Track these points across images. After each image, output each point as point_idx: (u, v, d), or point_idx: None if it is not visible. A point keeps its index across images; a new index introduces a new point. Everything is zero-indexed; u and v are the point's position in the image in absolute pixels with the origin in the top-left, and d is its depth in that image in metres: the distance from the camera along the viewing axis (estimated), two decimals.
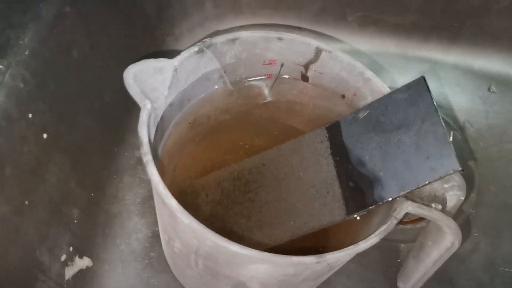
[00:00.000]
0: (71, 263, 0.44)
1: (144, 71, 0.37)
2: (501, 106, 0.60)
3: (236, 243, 0.31)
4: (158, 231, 0.50)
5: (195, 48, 0.40)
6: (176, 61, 0.39)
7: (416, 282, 0.44)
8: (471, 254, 0.52)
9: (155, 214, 0.50)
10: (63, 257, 0.43)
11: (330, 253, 0.32)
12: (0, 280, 0.36)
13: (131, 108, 0.35)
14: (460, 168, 0.34)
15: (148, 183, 0.54)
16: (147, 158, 0.33)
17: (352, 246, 0.32)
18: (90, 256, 0.47)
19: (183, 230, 0.34)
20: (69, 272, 0.44)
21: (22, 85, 0.38)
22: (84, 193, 0.47)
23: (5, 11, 0.39)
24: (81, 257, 0.46)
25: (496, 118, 0.60)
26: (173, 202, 0.32)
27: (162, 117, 0.40)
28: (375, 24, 0.62)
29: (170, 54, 0.40)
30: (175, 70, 0.39)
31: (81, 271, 0.46)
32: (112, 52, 0.49)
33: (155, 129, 0.38)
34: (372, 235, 0.33)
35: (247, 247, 0.31)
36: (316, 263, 0.31)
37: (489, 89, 0.61)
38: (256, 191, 0.44)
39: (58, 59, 0.41)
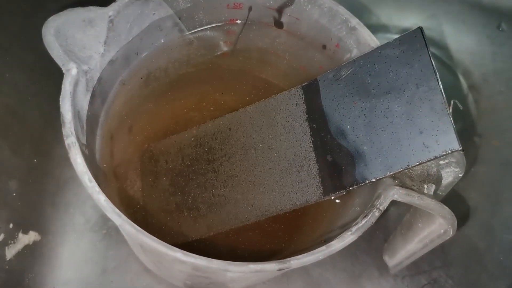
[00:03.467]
0: (12, 241, 0.39)
1: (70, 23, 0.30)
2: (511, 48, 0.52)
3: (178, 250, 0.25)
4: None
5: None
6: (111, 10, 0.31)
7: (403, 260, 0.39)
8: (466, 218, 0.47)
9: None
10: (1, 237, 0.38)
11: (295, 257, 0.26)
12: None
13: None
14: (460, 148, 0.28)
15: None
16: (70, 140, 0.27)
17: (322, 248, 0.27)
18: (37, 230, 0.42)
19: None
20: (11, 251, 0.39)
21: None
22: (23, 161, 0.40)
23: None
24: (25, 232, 0.41)
25: (504, 61, 0.52)
26: (101, 199, 0.26)
27: (100, 79, 0.33)
28: None
29: None
30: (111, 21, 0.31)
31: (26, 248, 0.40)
32: None
33: (89, 95, 0.31)
34: (349, 232, 0.27)
35: (191, 255, 0.25)
36: (278, 270, 0.26)
37: (498, 27, 0.52)
38: (221, 160, 0.38)
39: None
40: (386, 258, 0.42)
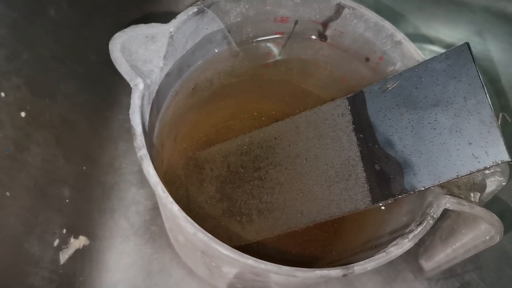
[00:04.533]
0: (65, 246, 0.41)
1: (134, 40, 0.31)
2: None
3: (250, 257, 0.27)
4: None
5: (194, 9, 0.33)
6: (171, 26, 0.32)
7: (442, 264, 0.40)
8: None
9: None
10: (56, 242, 0.39)
11: (358, 263, 0.28)
12: None
13: None
14: (510, 159, 0.29)
15: None
16: (142, 152, 0.28)
17: (382, 254, 0.28)
18: (86, 234, 0.43)
19: (188, 232, 0.30)
20: (64, 256, 0.40)
21: None
22: (75, 168, 0.42)
23: None
24: (76, 237, 0.42)
25: None
26: (174, 208, 0.27)
27: (158, 91, 0.34)
28: None
29: (166, 15, 0.33)
30: (171, 36, 0.33)
31: (77, 251, 0.42)
32: (94, 4, 0.42)
33: (150, 107, 0.33)
34: (406, 239, 0.29)
35: (262, 261, 0.27)
36: (343, 276, 0.27)
37: None
38: (267, 169, 0.39)
39: (31, 22, 0.35)
40: (422, 262, 0.44)
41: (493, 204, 0.49)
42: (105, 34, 0.32)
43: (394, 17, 0.56)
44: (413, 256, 0.46)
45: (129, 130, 0.46)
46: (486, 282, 0.47)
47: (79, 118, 0.43)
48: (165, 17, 0.33)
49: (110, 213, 0.46)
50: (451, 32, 0.56)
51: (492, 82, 0.55)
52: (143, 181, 0.48)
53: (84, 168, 0.44)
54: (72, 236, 0.42)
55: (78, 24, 0.41)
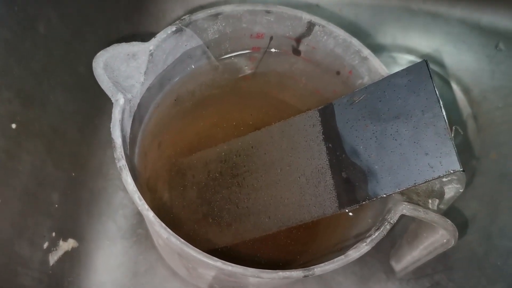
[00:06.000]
0: (54, 249, 0.43)
1: (116, 57, 0.34)
2: (508, 66, 0.55)
3: (218, 259, 0.29)
4: None
5: (173, 28, 0.36)
6: (151, 44, 0.35)
7: (409, 265, 0.43)
8: (467, 225, 0.51)
9: None
10: (45, 245, 0.42)
11: (318, 265, 0.30)
12: None
13: None
14: (461, 169, 0.32)
15: None
16: (121, 163, 0.31)
17: (341, 257, 0.31)
18: (75, 237, 0.46)
19: (163, 237, 0.33)
20: (53, 258, 0.43)
21: None
22: (64, 174, 0.44)
23: None
24: (65, 239, 0.45)
25: (502, 79, 0.56)
26: (150, 215, 0.30)
27: (139, 104, 0.37)
28: None
29: (148, 33, 0.36)
30: (151, 54, 0.35)
31: (66, 254, 0.44)
32: (85, 19, 0.44)
33: (131, 120, 0.35)
34: (364, 243, 0.31)
35: (229, 263, 0.29)
36: (304, 277, 0.30)
37: (496, 47, 0.56)
38: (244, 175, 0.42)
39: (22, 39, 0.37)
40: (393, 263, 0.46)
41: (463, 209, 0.52)
42: (94, 47, 0.34)
43: (373, 27, 0.59)
44: (385, 257, 0.49)
45: None
46: (455, 283, 0.49)
47: (69, 126, 0.45)
48: (152, 33, 0.36)
49: (98, 217, 0.48)
50: (427, 43, 0.59)
51: (466, 92, 0.57)
52: None
53: (73, 174, 0.46)
54: (61, 239, 0.44)
55: (67, 38, 0.43)
